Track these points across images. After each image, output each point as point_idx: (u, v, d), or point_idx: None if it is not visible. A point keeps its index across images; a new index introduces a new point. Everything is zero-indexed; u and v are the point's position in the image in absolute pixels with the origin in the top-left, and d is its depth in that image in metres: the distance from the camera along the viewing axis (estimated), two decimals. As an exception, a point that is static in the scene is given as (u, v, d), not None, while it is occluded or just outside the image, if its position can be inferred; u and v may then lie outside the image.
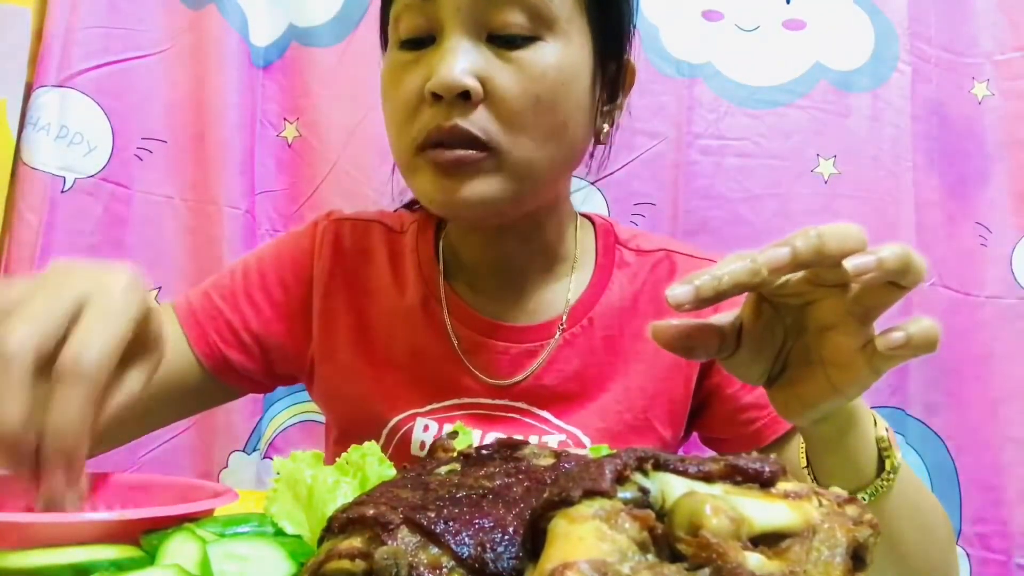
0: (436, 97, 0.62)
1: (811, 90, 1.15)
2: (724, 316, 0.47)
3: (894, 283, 0.41)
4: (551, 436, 0.72)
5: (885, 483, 0.51)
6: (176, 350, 0.74)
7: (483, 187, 0.64)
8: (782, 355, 0.48)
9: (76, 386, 0.38)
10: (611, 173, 1.07)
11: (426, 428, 0.73)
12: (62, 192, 1.04)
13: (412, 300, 0.77)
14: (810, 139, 1.14)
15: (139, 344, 0.43)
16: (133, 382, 0.43)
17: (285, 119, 1.16)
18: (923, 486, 0.63)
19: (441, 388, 0.74)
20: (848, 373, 0.44)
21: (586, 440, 0.73)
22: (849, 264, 0.40)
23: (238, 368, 0.76)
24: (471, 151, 0.62)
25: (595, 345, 0.75)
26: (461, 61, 0.61)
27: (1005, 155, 1.17)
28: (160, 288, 1.09)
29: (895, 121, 1.14)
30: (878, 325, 0.44)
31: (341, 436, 0.78)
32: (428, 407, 0.73)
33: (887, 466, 0.52)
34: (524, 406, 0.73)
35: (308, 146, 1.14)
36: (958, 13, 1.19)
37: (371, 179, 1.12)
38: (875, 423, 0.53)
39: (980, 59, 1.18)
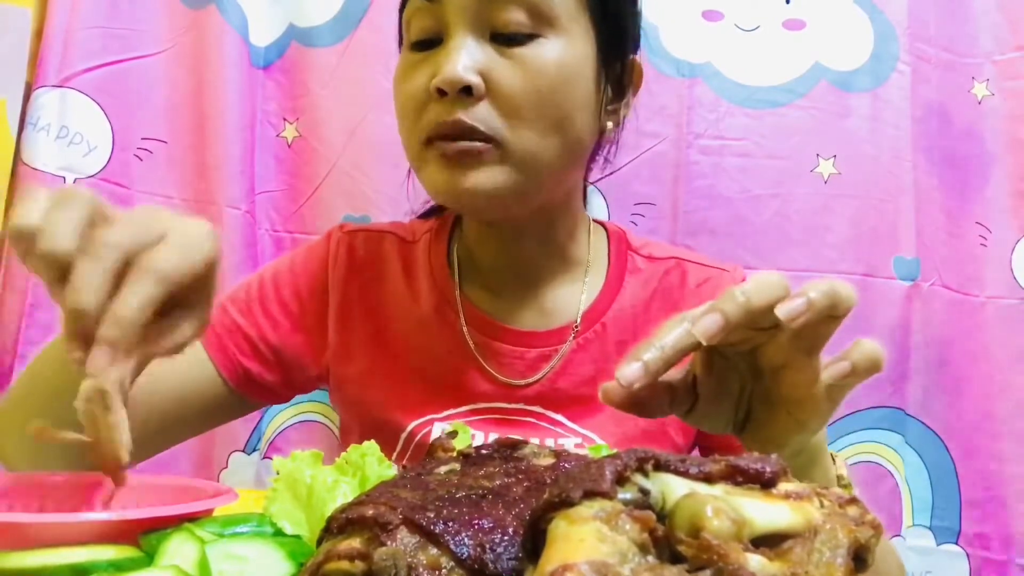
0: (441, 93, 0.65)
1: (811, 90, 1.14)
2: (675, 372, 0.47)
3: (829, 315, 0.43)
4: (567, 439, 0.73)
5: None
6: (196, 363, 0.74)
7: (487, 177, 0.66)
8: (743, 401, 0.49)
9: (146, 282, 0.41)
10: (611, 173, 1.07)
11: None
12: (62, 192, 1.04)
13: (426, 308, 0.78)
14: (810, 139, 1.14)
15: (198, 292, 0.46)
16: (186, 329, 0.46)
17: (285, 119, 1.15)
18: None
19: (457, 393, 0.75)
20: (807, 407, 0.46)
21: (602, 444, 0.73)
22: (781, 312, 0.41)
23: (257, 379, 0.77)
24: (474, 142, 0.65)
25: (608, 350, 0.76)
26: (464, 58, 0.64)
27: (1005, 155, 1.17)
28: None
29: (895, 121, 1.14)
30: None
31: (359, 440, 0.79)
32: (445, 412, 0.75)
33: None
34: (539, 410, 0.74)
35: (308, 146, 1.14)
36: (958, 13, 1.18)
37: (371, 179, 1.12)
38: (833, 461, 0.54)
39: (980, 59, 1.18)
